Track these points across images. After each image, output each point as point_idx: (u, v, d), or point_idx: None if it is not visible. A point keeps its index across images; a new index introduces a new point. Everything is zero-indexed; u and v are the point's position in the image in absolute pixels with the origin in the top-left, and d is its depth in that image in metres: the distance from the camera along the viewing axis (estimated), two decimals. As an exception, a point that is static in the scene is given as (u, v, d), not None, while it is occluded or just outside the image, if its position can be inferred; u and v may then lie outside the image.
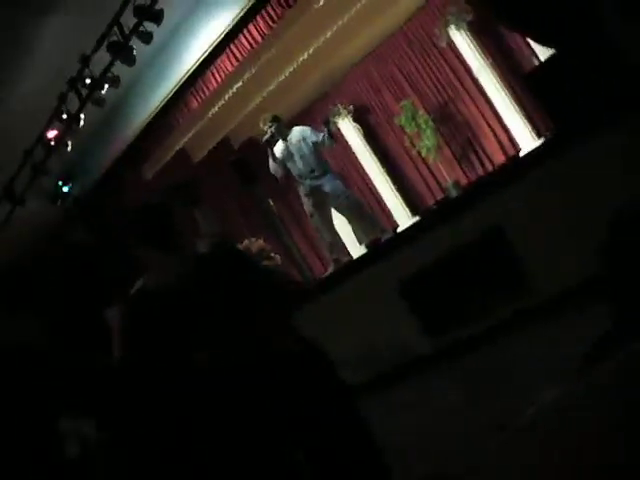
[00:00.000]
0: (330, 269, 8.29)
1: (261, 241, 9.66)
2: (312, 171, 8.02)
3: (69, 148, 8.25)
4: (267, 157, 8.41)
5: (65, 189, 9.35)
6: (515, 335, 5.49)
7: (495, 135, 10.59)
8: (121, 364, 2.41)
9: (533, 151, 7.68)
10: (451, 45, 10.46)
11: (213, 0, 7.75)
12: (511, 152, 10.31)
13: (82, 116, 7.81)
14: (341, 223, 8.64)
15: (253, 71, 9.12)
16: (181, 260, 3.03)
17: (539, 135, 9.73)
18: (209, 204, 10.80)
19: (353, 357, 3.35)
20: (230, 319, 2.85)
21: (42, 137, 8.14)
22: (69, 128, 7.96)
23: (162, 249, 2.97)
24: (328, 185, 8.02)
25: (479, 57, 10.12)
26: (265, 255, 9.37)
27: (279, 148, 8.14)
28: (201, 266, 2.99)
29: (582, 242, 5.00)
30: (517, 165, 7.95)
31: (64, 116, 7.83)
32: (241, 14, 7.88)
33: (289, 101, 10.33)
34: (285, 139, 8.10)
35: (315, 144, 8.06)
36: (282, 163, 8.12)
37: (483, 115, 10.65)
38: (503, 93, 10.03)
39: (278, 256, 9.50)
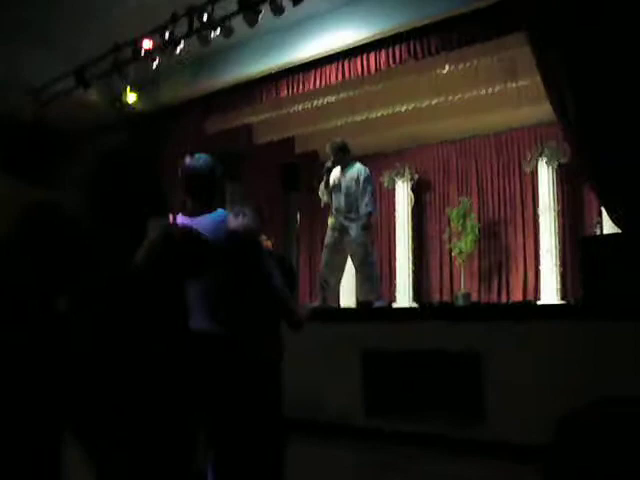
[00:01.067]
0: (315, 303, 8.23)
1: (269, 242, 9.64)
2: (349, 211, 7.90)
3: (155, 65, 8.25)
4: (318, 175, 8.42)
5: (130, 98, 9.36)
6: (448, 455, 5.46)
7: (525, 274, 10.57)
8: (134, 272, 2.37)
9: (550, 306, 7.65)
10: (533, 174, 10.49)
11: (355, 12, 7.80)
12: (530, 297, 10.29)
13: (182, 44, 7.83)
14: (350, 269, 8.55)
15: (351, 95, 9.16)
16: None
17: (563, 298, 9.72)
18: (244, 185, 10.82)
19: (293, 395, 3.48)
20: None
21: (135, 42, 8.16)
22: (165, 48, 7.97)
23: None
24: (355, 230, 7.89)
25: (552, 198, 10.12)
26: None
27: (334, 175, 8.04)
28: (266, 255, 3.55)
29: (548, 409, 4.95)
30: (530, 310, 7.91)
31: (167, 35, 7.85)
32: (371, 39, 7.91)
33: (365, 139, 10.37)
34: (343, 169, 7.98)
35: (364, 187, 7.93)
36: (330, 191, 8.03)
37: (525, 250, 10.64)
38: (554, 241, 10.02)
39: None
